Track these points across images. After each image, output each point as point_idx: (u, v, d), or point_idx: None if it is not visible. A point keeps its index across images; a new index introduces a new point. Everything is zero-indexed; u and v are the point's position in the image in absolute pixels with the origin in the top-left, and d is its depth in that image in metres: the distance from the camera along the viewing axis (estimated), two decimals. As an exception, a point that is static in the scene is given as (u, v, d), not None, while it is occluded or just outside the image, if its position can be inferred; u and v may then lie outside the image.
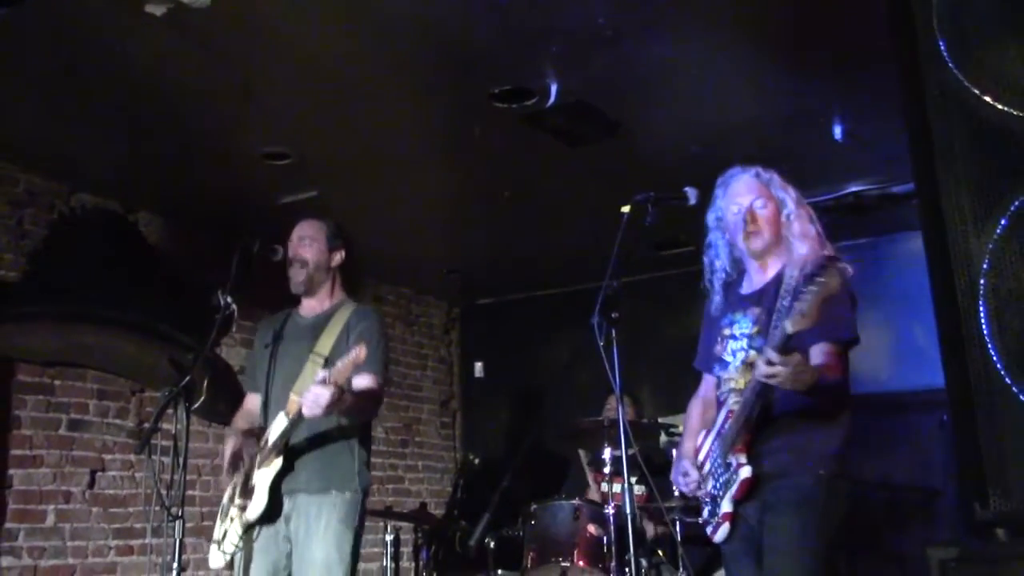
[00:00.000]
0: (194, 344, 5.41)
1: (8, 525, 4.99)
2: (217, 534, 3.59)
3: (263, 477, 3.43)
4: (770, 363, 2.61)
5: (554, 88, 4.53)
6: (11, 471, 5.06)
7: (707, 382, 3.25)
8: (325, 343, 3.59)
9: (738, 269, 3.19)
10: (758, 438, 2.88)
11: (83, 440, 5.43)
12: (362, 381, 3.45)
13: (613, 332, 3.00)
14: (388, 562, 5.35)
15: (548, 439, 6.58)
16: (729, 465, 2.90)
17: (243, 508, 3.44)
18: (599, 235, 3.19)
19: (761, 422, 2.88)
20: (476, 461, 6.92)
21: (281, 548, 3.49)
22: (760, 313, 2.99)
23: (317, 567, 3.39)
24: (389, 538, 5.36)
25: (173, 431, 3.36)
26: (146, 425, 5.58)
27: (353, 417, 3.49)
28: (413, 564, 5.57)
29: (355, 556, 3.49)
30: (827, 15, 3.95)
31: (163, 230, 6.05)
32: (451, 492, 7.74)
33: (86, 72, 4.28)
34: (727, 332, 3.09)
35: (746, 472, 2.85)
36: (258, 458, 3.49)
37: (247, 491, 3.47)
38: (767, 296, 2.99)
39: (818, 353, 2.85)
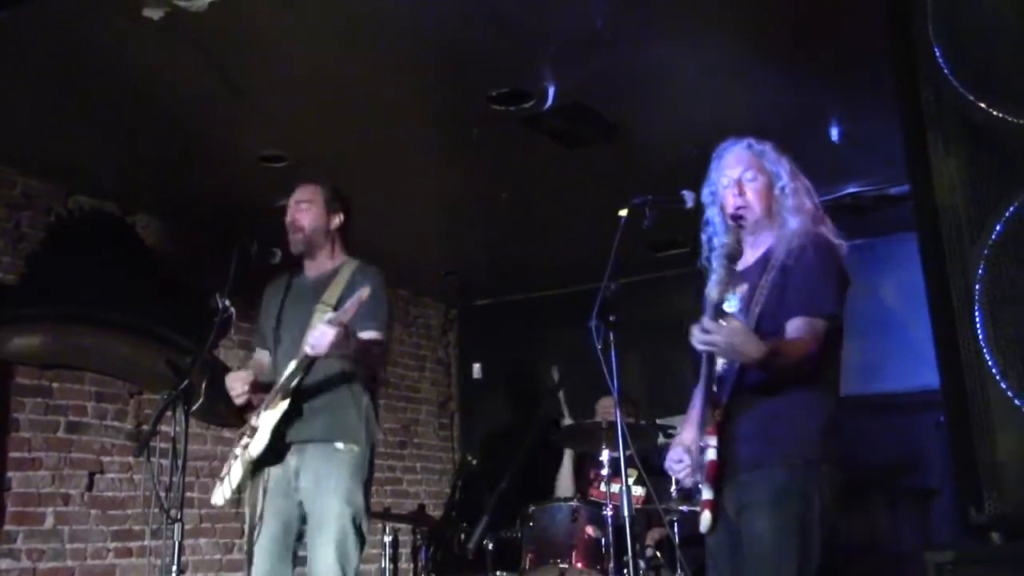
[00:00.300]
0: (191, 346, 5.41)
1: (7, 527, 4.99)
2: (224, 471, 3.67)
3: (268, 418, 3.50)
4: (705, 331, 2.57)
5: (552, 90, 4.53)
6: (9, 474, 5.06)
7: None
8: (331, 294, 3.67)
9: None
10: (730, 422, 2.79)
11: (81, 442, 5.43)
12: (367, 333, 3.54)
13: (611, 335, 2.99)
14: (386, 563, 5.35)
15: (546, 440, 6.59)
16: (703, 449, 2.82)
17: (246, 447, 3.49)
18: (597, 237, 3.19)
19: (732, 403, 2.79)
20: (474, 462, 6.93)
21: (293, 502, 3.58)
22: (747, 290, 2.91)
23: (331, 523, 3.48)
24: (388, 539, 5.35)
25: (172, 434, 3.37)
26: (144, 427, 5.59)
27: (359, 364, 3.58)
28: (412, 565, 5.57)
29: (368, 510, 3.61)
30: (825, 18, 3.96)
31: (160, 232, 6.05)
32: (449, 493, 7.75)
33: (83, 74, 4.28)
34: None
35: (710, 455, 2.77)
36: (265, 400, 3.56)
37: (252, 431, 3.55)
38: (755, 272, 2.91)
39: (792, 327, 2.75)
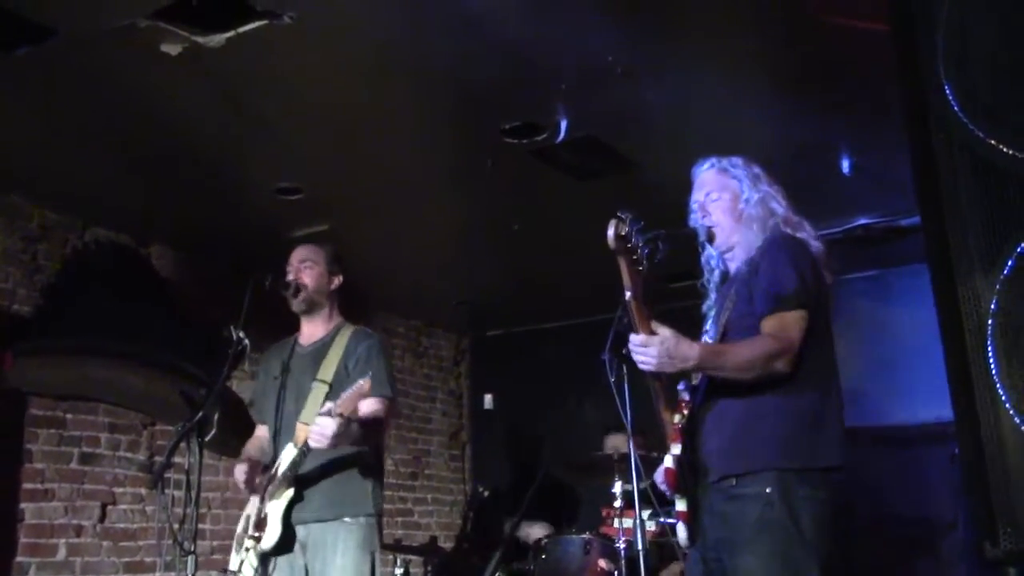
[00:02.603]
0: (205, 377, 5.43)
1: (19, 559, 4.99)
2: (233, 564, 3.63)
3: (275, 508, 3.48)
4: (643, 347, 2.50)
5: (564, 124, 4.57)
6: (23, 505, 5.07)
7: None
8: (327, 369, 3.64)
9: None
10: (698, 431, 2.72)
11: (94, 474, 5.45)
12: (368, 406, 3.48)
13: (624, 368, 2.98)
14: (398, 596, 5.33)
15: (557, 472, 6.57)
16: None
17: (258, 539, 3.46)
18: (609, 268, 3.21)
19: (700, 410, 2.74)
20: (485, 493, 6.90)
21: None
22: (717, 305, 2.92)
23: None
24: (399, 571, 5.34)
25: (185, 465, 3.37)
26: (157, 459, 5.60)
27: (361, 444, 3.52)
28: (423, 598, 5.56)
29: None
30: (835, 51, 3.98)
31: (175, 263, 6.10)
32: (461, 525, 7.72)
33: (100, 108, 4.34)
34: (704, 328, 3.00)
35: (668, 461, 2.72)
36: (269, 489, 3.52)
37: (261, 522, 3.49)
38: (729, 287, 2.90)
39: (763, 328, 2.67)
